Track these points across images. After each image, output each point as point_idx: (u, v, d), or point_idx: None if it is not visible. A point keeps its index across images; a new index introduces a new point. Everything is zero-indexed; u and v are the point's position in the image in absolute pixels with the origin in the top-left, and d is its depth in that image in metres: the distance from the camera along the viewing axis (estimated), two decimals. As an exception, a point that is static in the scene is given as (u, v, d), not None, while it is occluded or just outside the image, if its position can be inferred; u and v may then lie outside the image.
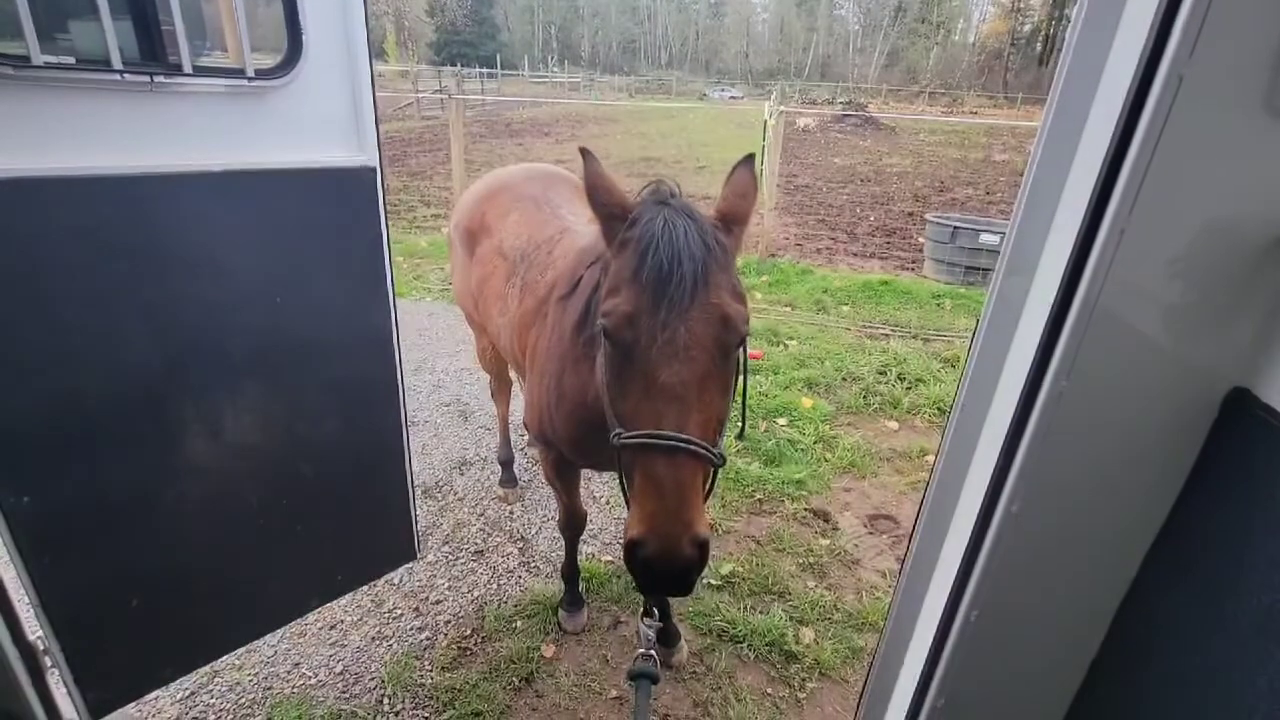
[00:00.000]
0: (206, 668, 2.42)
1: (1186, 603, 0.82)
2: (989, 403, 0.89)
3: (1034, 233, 0.82)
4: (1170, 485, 0.81)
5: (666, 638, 2.55)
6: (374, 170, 1.91)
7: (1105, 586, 0.88)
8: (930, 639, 0.98)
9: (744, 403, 1.56)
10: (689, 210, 1.42)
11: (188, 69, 1.54)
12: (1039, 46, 63.82)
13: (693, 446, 1.25)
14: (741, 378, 1.50)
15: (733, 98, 47.49)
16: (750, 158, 1.60)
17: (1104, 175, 0.71)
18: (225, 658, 2.40)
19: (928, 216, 8.23)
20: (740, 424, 1.67)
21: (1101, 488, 0.83)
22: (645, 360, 1.30)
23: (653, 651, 1.56)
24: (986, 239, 7.31)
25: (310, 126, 1.80)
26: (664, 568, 1.25)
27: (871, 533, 3.40)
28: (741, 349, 1.43)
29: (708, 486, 1.40)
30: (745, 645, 2.65)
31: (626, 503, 1.42)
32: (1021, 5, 64.82)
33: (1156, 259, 0.72)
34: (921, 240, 8.63)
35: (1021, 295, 0.84)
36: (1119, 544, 0.85)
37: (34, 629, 1.64)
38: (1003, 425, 0.85)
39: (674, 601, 2.69)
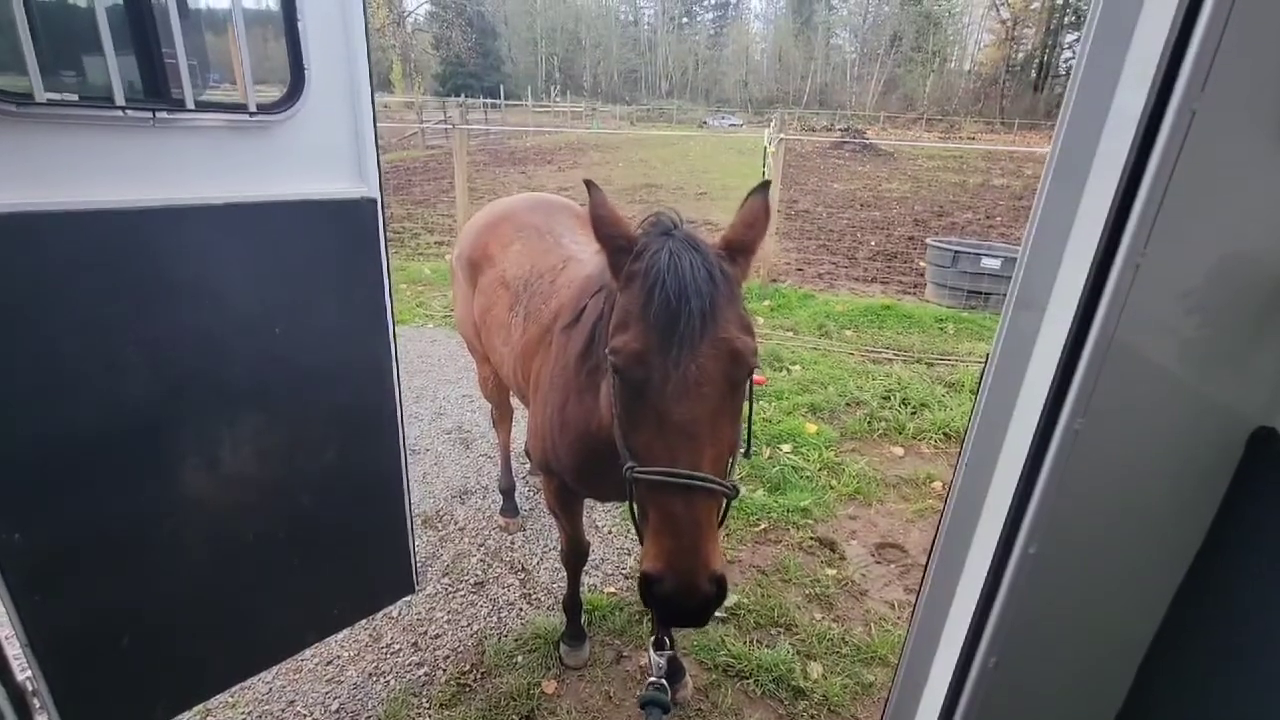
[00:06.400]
0: (199, 706, 2.36)
1: (1215, 650, 0.78)
2: (1002, 441, 0.87)
3: (1044, 266, 0.80)
4: (1195, 528, 0.78)
5: (671, 673, 2.48)
6: (375, 201, 1.91)
7: (1130, 634, 0.84)
8: (946, 685, 0.94)
9: (749, 426, 1.55)
10: (694, 242, 1.41)
11: (190, 105, 1.55)
12: (1033, 73, 64.80)
13: (709, 484, 1.26)
14: (747, 403, 1.49)
15: (732, 125, 48.08)
16: (765, 186, 1.59)
17: (1116, 209, 0.69)
18: (218, 695, 2.33)
19: (929, 241, 8.25)
20: (745, 444, 1.67)
21: (1123, 530, 0.80)
22: (657, 397, 1.29)
23: (664, 680, 1.56)
24: (988, 263, 7.31)
25: (312, 159, 1.80)
26: (682, 604, 1.26)
27: (879, 562, 3.34)
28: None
29: (721, 516, 1.39)
30: (752, 681, 2.58)
31: (637, 531, 1.43)
32: (1016, 33, 65.98)
33: (1173, 294, 0.70)
34: (922, 264, 8.64)
35: (1033, 329, 0.82)
36: (1143, 589, 0.82)
37: (23, 669, 1.61)
38: (1017, 464, 0.82)
39: (678, 634, 2.62)
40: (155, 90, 1.58)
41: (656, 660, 1.64)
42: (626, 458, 1.38)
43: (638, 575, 1.30)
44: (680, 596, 1.24)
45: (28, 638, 1.56)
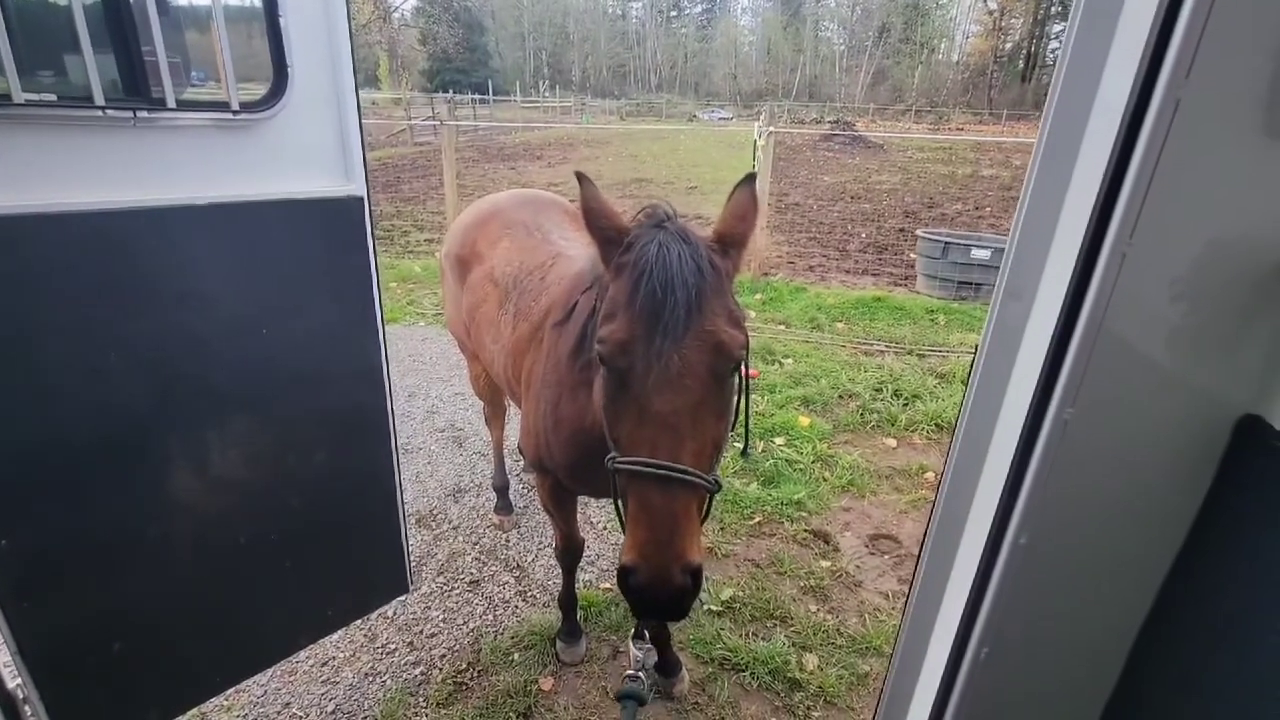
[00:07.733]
0: (193, 710, 2.35)
1: (1204, 637, 0.79)
2: (991, 431, 0.87)
3: (1032, 256, 0.80)
4: (1183, 516, 0.79)
5: (667, 667, 2.49)
6: (361, 199, 1.90)
7: (1119, 623, 0.85)
8: (939, 676, 0.95)
9: (747, 422, 1.55)
10: (685, 233, 1.40)
11: (171, 103, 1.53)
12: (1021, 63, 65.09)
13: (687, 476, 1.25)
14: (741, 398, 1.49)
15: (722, 119, 48.00)
16: (751, 178, 1.59)
17: (1102, 198, 0.69)
18: (213, 699, 2.32)
19: (919, 232, 8.28)
20: (743, 442, 1.67)
21: (1112, 519, 0.80)
22: (640, 387, 1.29)
23: (640, 673, 1.57)
24: (978, 254, 7.35)
25: (297, 157, 1.78)
26: (656, 595, 1.26)
27: (873, 553, 3.36)
28: (740, 370, 1.42)
29: (704, 511, 1.38)
30: (748, 674, 2.59)
31: (621, 524, 1.43)
32: (1003, 24, 66.17)
33: (1160, 283, 0.70)
34: (913, 256, 8.67)
35: (1021, 320, 0.82)
36: (1132, 578, 0.82)
37: (13, 677, 1.59)
38: (1007, 455, 0.82)
39: (674, 628, 2.63)
40: (135, 89, 1.55)
41: (635, 653, 1.65)
42: (612, 449, 1.39)
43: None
44: (654, 587, 1.24)
45: (17, 645, 1.55)
